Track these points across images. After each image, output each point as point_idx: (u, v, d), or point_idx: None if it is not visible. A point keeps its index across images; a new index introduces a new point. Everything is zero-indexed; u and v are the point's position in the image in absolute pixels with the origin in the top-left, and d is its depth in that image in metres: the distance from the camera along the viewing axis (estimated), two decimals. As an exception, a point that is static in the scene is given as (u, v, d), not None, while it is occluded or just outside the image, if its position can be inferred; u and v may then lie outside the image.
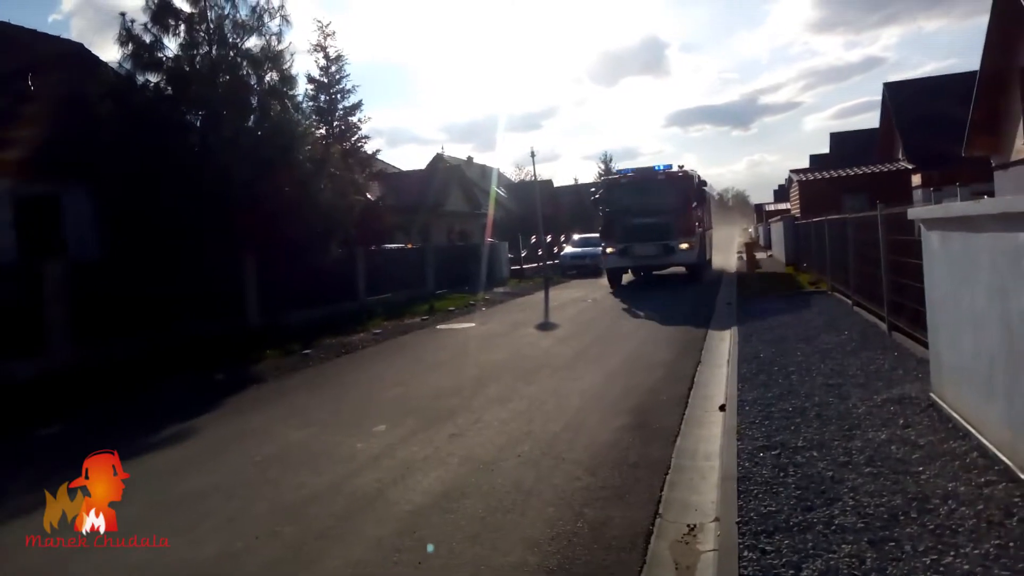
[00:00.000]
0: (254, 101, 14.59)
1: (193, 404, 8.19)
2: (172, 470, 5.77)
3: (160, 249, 12.32)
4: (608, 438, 5.82)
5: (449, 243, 31.26)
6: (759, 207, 66.73)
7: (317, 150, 16.53)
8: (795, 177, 31.56)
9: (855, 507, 3.78)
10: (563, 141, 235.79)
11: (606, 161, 56.76)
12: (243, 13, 14.50)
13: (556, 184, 55.35)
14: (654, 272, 22.15)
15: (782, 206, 45.27)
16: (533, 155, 57.50)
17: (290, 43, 17.17)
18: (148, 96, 13.59)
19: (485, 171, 47.50)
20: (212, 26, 14.11)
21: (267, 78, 14.64)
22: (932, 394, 5.53)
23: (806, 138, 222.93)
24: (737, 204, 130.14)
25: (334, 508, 4.68)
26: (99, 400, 8.75)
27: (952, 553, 3.16)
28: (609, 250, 20.73)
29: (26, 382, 9.16)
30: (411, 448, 5.89)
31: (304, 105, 19.95)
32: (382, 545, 4.06)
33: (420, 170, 39.24)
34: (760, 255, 29.50)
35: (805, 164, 45.20)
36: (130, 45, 13.42)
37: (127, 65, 13.56)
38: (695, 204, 20.84)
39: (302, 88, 23.75)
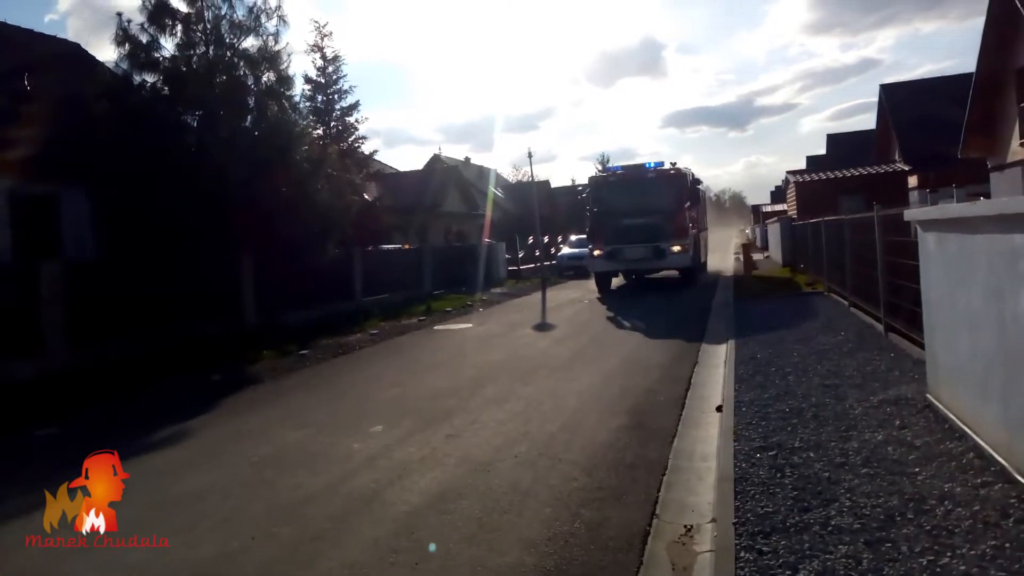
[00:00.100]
0: (251, 101, 14.57)
1: (190, 404, 8.18)
2: (169, 470, 5.76)
3: (157, 249, 12.31)
4: (605, 439, 5.82)
5: (446, 244, 31.26)
6: (756, 208, 66.91)
7: (314, 150, 16.51)
8: (792, 178, 31.64)
9: (852, 508, 3.79)
10: (560, 142, 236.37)
11: (603, 162, 56.72)
12: (240, 13, 14.51)
13: (553, 185, 55.37)
14: (646, 276, 21.19)
15: (779, 207, 45.39)
16: (530, 156, 57.74)
17: (287, 43, 17.24)
18: (145, 96, 13.57)
19: (482, 172, 47.51)
20: (209, 26, 14.09)
21: (264, 78, 14.63)
22: (928, 395, 5.54)
23: (803, 139, 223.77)
24: (734, 205, 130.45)
25: (331, 509, 4.67)
26: (97, 400, 8.72)
27: (948, 554, 3.17)
28: (596, 252, 19.72)
29: (25, 382, 9.14)
30: (408, 449, 5.89)
31: (301, 105, 20.01)
32: (379, 546, 4.05)
33: (417, 171, 39.24)
34: (757, 256, 29.52)
35: (802, 165, 45.25)
36: (127, 45, 13.40)
37: (124, 65, 13.54)
38: (688, 204, 19.69)
39: (299, 88, 23.91)
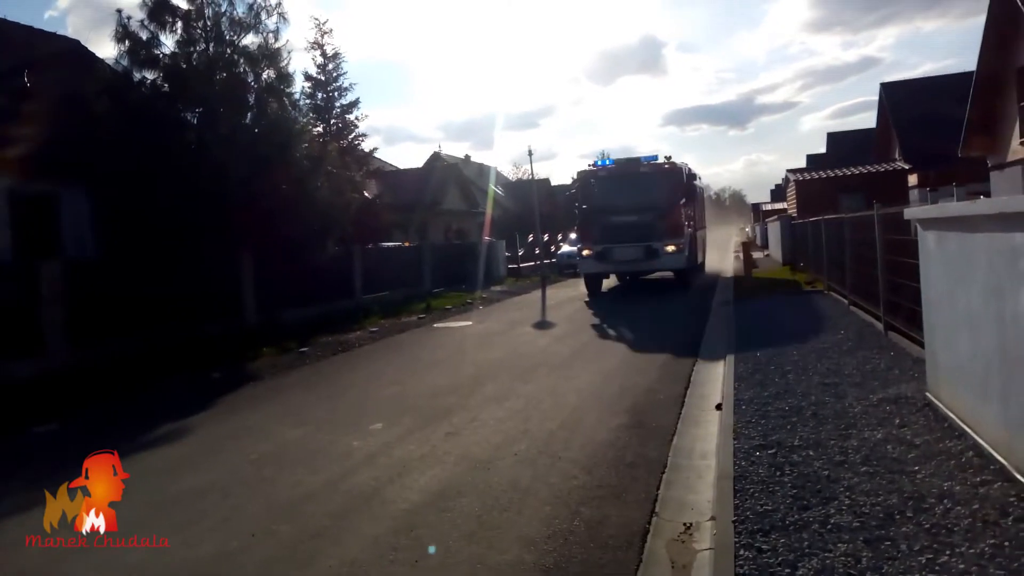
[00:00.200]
0: (251, 98, 14.57)
1: (190, 403, 8.18)
2: (169, 469, 5.76)
3: (157, 248, 12.31)
4: (605, 437, 5.83)
5: (446, 241, 31.26)
6: (756, 207, 66.87)
7: (314, 148, 16.52)
8: (792, 177, 31.64)
9: (851, 506, 3.79)
10: (560, 140, 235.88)
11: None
12: (240, 10, 14.50)
13: (553, 183, 55.20)
14: (641, 277, 20.05)
15: (779, 206, 45.35)
16: (530, 154, 57.98)
17: (287, 40, 17.25)
18: (145, 93, 13.57)
19: (483, 170, 47.48)
20: (209, 23, 14.08)
21: (264, 75, 14.62)
22: (928, 394, 5.54)
23: (803, 138, 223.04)
24: (734, 204, 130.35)
25: (330, 506, 4.67)
26: (97, 400, 8.71)
27: (948, 552, 3.17)
28: (585, 252, 18.48)
29: (25, 382, 9.13)
30: (408, 446, 5.89)
31: (301, 103, 20.05)
32: (378, 543, 4.06)
33: (417, 168, 39.21)
34: (757, 254, 29.51)
35: (802, 164, 45.30)
36: (127, 42, 13.38)
37: (124, 62, 13.54)
38: (684, 201, 18.36)
39: (299, 86, 23.94)
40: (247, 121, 14.44)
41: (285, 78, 14.95)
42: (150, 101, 13.45)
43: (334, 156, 17.49)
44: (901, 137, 28.38)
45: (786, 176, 38.76)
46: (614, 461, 5.21)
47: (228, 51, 14.26)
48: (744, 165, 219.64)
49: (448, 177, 37.63)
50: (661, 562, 3.71)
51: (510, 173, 53.75)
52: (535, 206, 30.80)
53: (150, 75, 13.74)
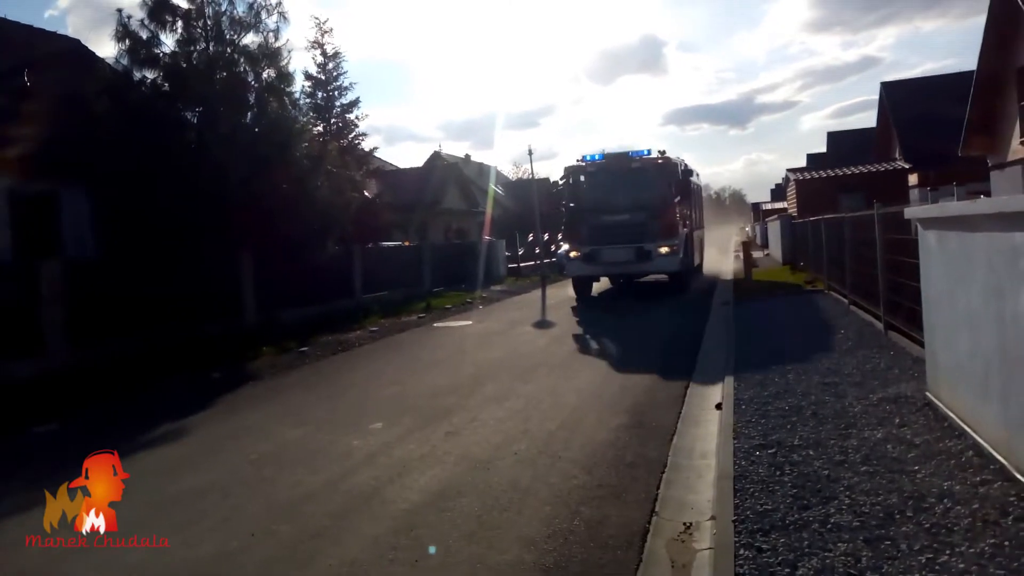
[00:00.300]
0: (251, 98, 14.57)
1: (190, 403, 8.18)
2: (169, 469, 5.76)
3: (157, 248, 12.29)
4: (605, 437, 5.83)
5: (446, 241, 31.25)
6: (756, 206, 66.80)
7: (314, 147, 16.52)
8: (792, 176, 31.64)
9: (851, 506, 3.79)
10: (560, 139, 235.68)
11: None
12: (240, 9, 14.50)
13: (553, 182, 55.24)
14: (635, 280, 18.75)
15: (779, 205, 45.34)
16: (531, 153, 57.76)
17: (287, 40, 17.10)
18: (145, 93, 13.57)
19: (483, 169, 47.45)
20: (209, 22, 14.08)
21: (264, 75, 14.62)
22: (928, 393, 5.54)
23: (803, 137, 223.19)
24: (734, 203, 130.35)
25: (330, 506, 4.67)
26: (97, 400, 8.71)
27: (948, 552, 3.17)
28: (573, 254, 17.11)
29: (25, 382, 9.12)
30: (408, 446, 5.89)
31: (301, 102, 20.05)
32: (378, 543, 4.06)
33: (417, 168, 39.20)
34: (757, 254, 29.50)
35: (802, 163, 45.29)
36: (127, 41, 13.38)
37: (124, 61, 13.53)
38: (679, 198, 17.12)
39: (299, 85, 23.94)
40: (247, 120, 14.44)
41: (285, 77, 14.95)
42: (150, 100, 13.46)
43: (334, 155, 17.49)
44: (901, 137, 28.38)
45: (786, 176, 38.75)
46: (614, 461, 5.21)
47: (228, 50, 14.25)
48: (744, 164, 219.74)
49: (448, 176, 37.60)
50: (661, 562, 3.71)
51: (510, 172, 53.85)
52: (535, 205, 30.78)
53: (150, 74, 13.75)
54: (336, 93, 26.00)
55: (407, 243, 25.38)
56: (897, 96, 30.03)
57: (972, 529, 3.36)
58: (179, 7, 13.83)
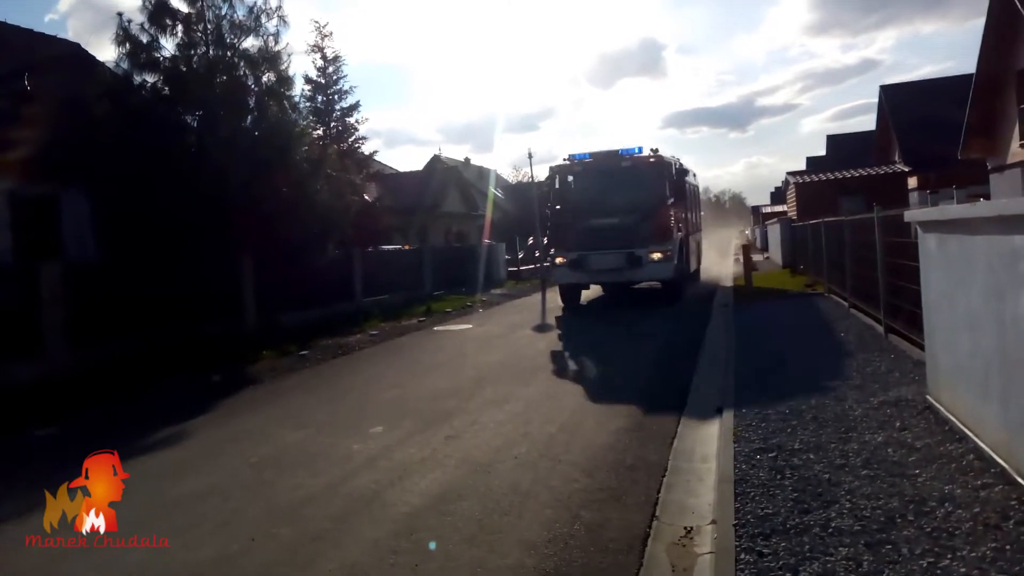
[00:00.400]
0: (251, 102, 14.57)
1: (190, 405, 8.17)
2: (169, 471, 5.76)
3: (157, 250, 12.29)
4: (605, 440, 5.82)
5: (446, 244, 31.26)
6: (756, 209, 66.87)
7: (314, 151, 16.52)
8: (792, 179, 31.62)
9: (852, 510, 3.79)
10: (560, 142, 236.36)
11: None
12: (240, 13, 14.50)
13: (553, 185, 55.19)
14: (631, 286, 17.33)
15: (779, 208, 45.34)
16: (530, 156, 57.66)
17: (287, 44, 17.24)
18: (145, 96, 13.57)
19: (482, 172, 47.48)
20: (210, 26, 14.09)
21: (264, 79, 14.63)
22: (928, 396, 5.54)
23: (803, 140, 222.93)
24: (734, 206, 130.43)
25: (330, 510, 4.67)
26: (97, 401, 8.72)
27: (949, 556, 3.16)
28: (559, 260, 16.03)
29: (25, 383, 9.12)
30: (408, 450, 5.88)
31: (301, 106, 20.01)
32: (379, 547, 4.05)
33: (417, 171, 39.20)
34: (757, 257, 29.51)
35: (802, 166, 45.24)
36: (127, 45, 13.38)
37: (124, 65, 13.54)
38: (672, 200, 15.92)
39: (299, 89, 23.92)
40: (247, 124, 14.44)
41: (285, 81, 14.96)
42: (150, 104, 13.46)
43: (334, 159, 17.49)
44: (901, 139, 28.38)
45: (786, 178, 38.77)
46: (614, 464, 5.21)
47: (228, 54, 14.27)
48: (744, 167, 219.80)
49: (448, 180, 37.64)
50: (662, 566, 3.70)
51: (510, 176, 53.84)
52: (535, 209, 30.78)
53: (150, 78, 13.75)
54: (336, 97, 26.04)
55: (407, 246, 25.36)
56: (897, 99, 30.04)
57: (973, 533, 3.35)
58: (179, 11, 13.85)
